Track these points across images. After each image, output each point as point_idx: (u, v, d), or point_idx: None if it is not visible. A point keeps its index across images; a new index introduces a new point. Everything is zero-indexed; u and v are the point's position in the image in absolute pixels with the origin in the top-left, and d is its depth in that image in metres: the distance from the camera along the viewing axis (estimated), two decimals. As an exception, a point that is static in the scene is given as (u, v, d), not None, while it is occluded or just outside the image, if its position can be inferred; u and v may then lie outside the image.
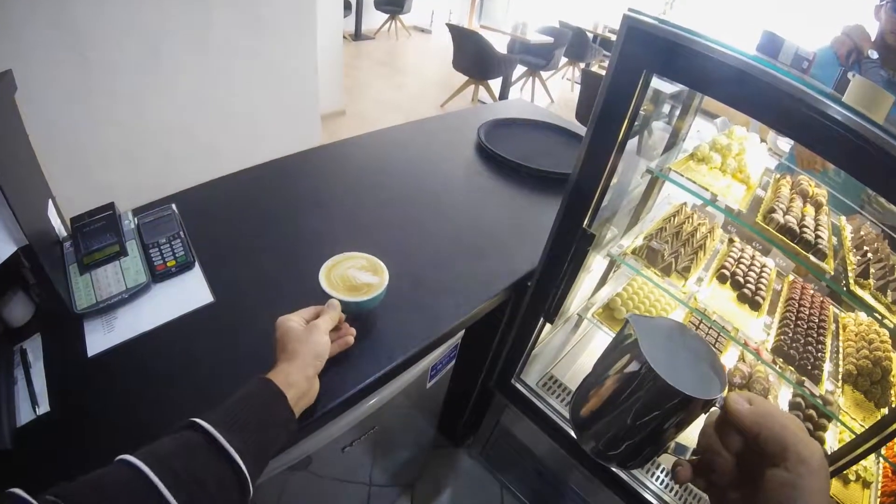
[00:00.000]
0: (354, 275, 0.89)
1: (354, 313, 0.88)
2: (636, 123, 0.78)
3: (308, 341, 0.70)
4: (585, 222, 0.87)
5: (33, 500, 0.42)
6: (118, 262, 0.97)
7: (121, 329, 0.88)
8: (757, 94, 0.60)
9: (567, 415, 1.17)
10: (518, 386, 1.25)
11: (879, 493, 1.03)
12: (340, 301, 0.83)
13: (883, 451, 0.91)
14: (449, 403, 1.44)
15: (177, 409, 0.75)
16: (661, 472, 1.13)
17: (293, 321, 0.73)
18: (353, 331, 0.83)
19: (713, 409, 0.50)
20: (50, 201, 1.01)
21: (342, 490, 1.17)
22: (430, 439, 1.59)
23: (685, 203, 1.29)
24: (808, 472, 0.38)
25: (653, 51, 0.66)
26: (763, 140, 1.26)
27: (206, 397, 0.75)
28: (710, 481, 0.47)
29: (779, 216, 0.94)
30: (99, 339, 0.86)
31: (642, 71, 0.69)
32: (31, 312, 0.89)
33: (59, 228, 1.02)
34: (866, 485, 1.05)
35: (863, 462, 0.91)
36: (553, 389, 1.25)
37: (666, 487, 1.10)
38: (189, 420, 0.54)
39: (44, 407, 0.75)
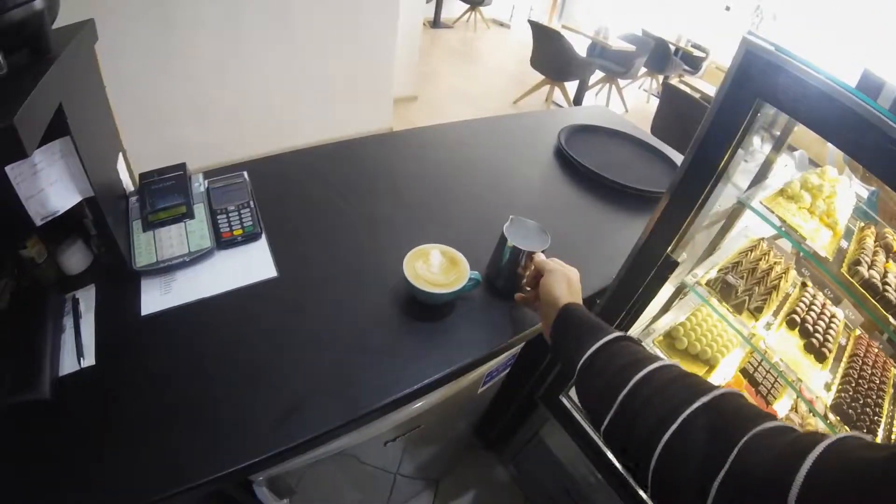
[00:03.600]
0: (436, 266, 0.91)
1: (433, 304, 0.92)
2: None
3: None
4: (671, 248, 0.85)
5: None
6: (184, 223, 0.95)
7: (178, 291, 0.87)
8: (874, 145, 0.57)
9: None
10: (564, 401, 1.23)
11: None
12: (422, 291, 0.86)
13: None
14: (491, 408, 1.42)
15: (221, 382, 0.75)
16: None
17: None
18: None
19: (537, 258, 0.87)
20: (120, 155, 0.99)
21: (369, 475, 1.16)
22: (466, 439, 1.55)
23: (763, 238, 1.25)
24: (553, 278, 0.80)
25: (768, 79, 0.64)
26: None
27: (250, 376, 0.76)
28: (532, 302, 0.88)
29: (864, 269, 0.89)
30: (154, 298, 0.85)
31: (755, 99, 0.67)
32: (88, 263, 0.89)
33: (127, 183, 1.00)
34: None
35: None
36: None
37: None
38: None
39: (89, 360, 0.74)
